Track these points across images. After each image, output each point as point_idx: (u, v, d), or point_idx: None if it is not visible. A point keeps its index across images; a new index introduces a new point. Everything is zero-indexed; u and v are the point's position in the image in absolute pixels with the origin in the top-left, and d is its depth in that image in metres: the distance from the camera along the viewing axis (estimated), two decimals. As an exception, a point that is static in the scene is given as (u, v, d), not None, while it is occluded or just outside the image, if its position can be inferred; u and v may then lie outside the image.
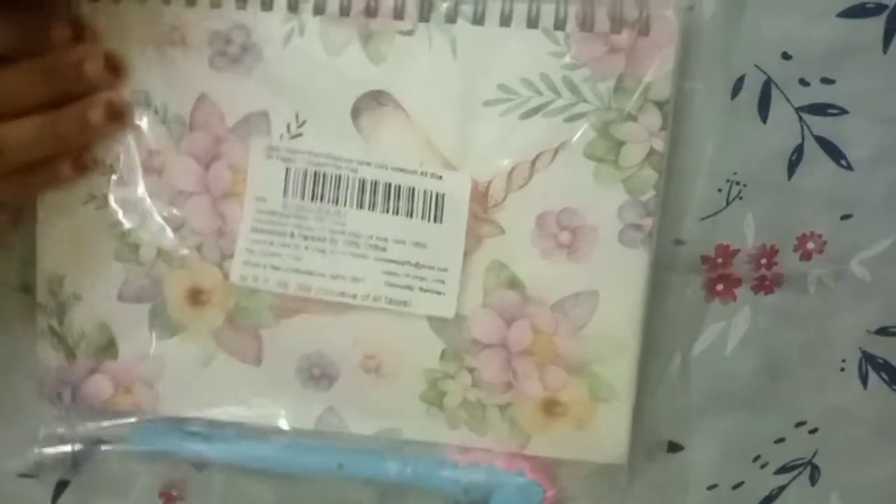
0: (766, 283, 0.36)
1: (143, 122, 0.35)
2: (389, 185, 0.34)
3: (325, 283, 0.35)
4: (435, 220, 0.34)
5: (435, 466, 0.37)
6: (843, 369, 0.37)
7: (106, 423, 0.37)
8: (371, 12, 0.33)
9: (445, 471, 0.37)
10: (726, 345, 0.37)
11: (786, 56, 0.34)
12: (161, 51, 0.34)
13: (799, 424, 0.38)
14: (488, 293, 0.35)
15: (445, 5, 0.33)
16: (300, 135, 0.34)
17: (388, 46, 0.33)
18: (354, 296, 0.35)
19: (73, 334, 0.37)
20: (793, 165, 0.35)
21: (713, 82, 0.34)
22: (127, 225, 0.36)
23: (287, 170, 0.35)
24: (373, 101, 0.34)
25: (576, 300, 0.35)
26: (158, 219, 0.36)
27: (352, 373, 0.36)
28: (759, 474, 0.38)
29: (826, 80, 0.34)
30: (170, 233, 0.36)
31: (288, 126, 0.34)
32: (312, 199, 0.35)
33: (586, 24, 0.32)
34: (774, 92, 0.34)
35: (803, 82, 0.34)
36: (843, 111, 0.34)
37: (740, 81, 0.34)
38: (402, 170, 0.34)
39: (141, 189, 0.36)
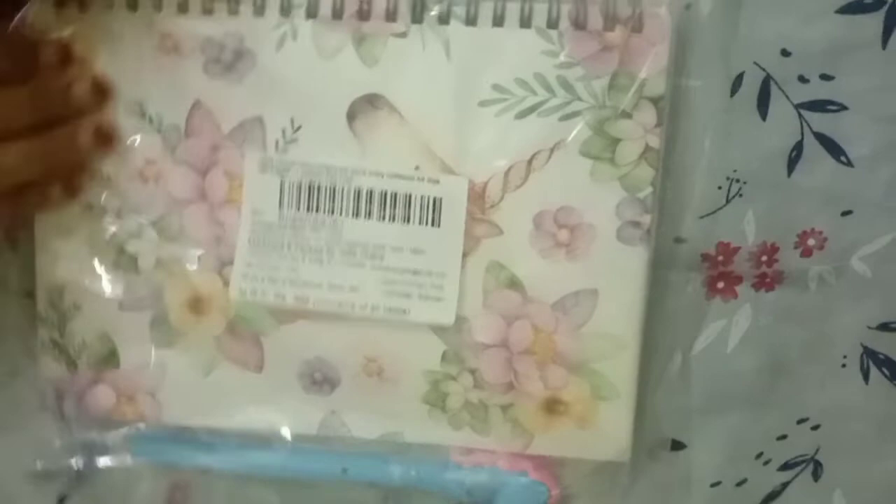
0: (767, 280, 0.36)
1: (138, 131, 0.35)
2: (385, 192, 0.34)
3: (323, 294, 0.35)
4: (432, 225, 0.34)
5: (438, 468, 0.37)
6: (844, 365, 0.37)
7: (109, 433, 0.37)
8: (363, 15, 0.33)
9: (449, 472, 0.37)
10: (728, 342, 0.37)
11: (785, 53, 0.34)
12: (154, 59, 0.34)
13: (801, 421, 0.38)
14: (488, 294, 0.35)
15: (438, 7, 0.33)
16: (296, 140, 0.34)
17: (382, 49, 0.33)
18: (353, 306, 0.35)
19: (74, 345, 0.37)
20: (792, 162, 0.35)
21: (712, 80, 0.34)
22: (125, 235, 0.36)
23: (282, 182, 0.34)
24: (367, 105, 0.34)
25: (576, 299, 0.35)
26: (156, 228, 0.36)
27: (353, 377, 0.36)
28: (762, 471, 0.38)
29: (825, 77, 0.34)
30: (168, 241, 0.36)
31: (283, 131, 0.34)
32: (308, 210, 0.35)
33: (579, 23, 0.32)
34: (774, 89, 0.34)
35: (802, 79, 0.34)
36: (843, 107, 0.34)
37: (739, 79, 0.34)
38: (397, 176, 0.34)
39: (138, 198, 0.36)
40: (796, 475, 0.38)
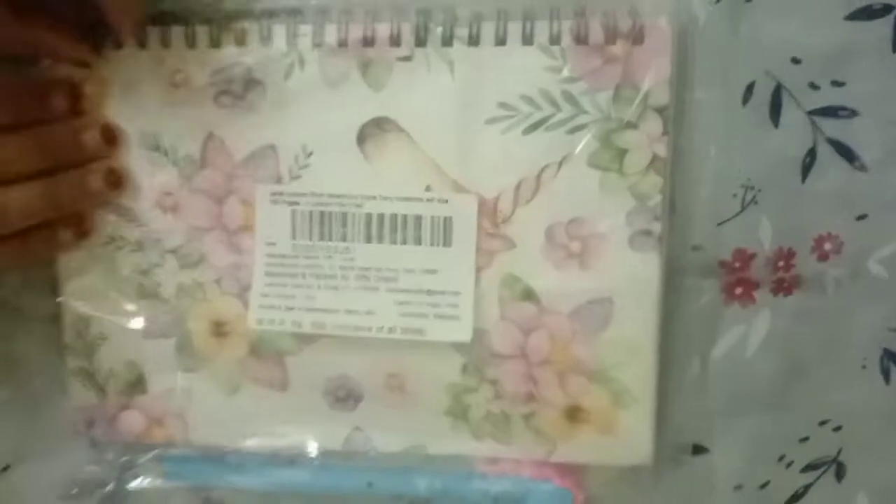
0: (785, 285, 0.36)
1: (155, 163, 0.36)
2: (395, 216, 0.35)
3: (340, 319, 0.35)
4: (444, 245, 0.35)
5: (464, 479, 0.37)
6: (864, 367, 0.37)
7: (139, 456, 0.38)
8: (368, 41, 0.34)
9: (475, 482, 0.37)
10: (747, 347, 0.37)
11: (795, 61, 0.34)
12: (166, 93, 0.35)
13: (822, 423, 0.38)
14: (504, 306, 0.35)
15: (441, 29, 0.33)
16: (308, 165, 0.35)
17: (388, 73, 0.34)
18: (369, 329, 0.35)
19: (102, 373, 0.38)
20: (806, 168, 0.35)
21: (723, 89, 0.34)
22: (147, 264, 0.37)
23: (293, 213, 0.35)
24: (376, 128, 0.34)
25: (591, 308, 0.35)
26: (177, 256, 0.37)
27: (376, 393, 0.37)
28: (784, 473, 0.38)
29: (836, 83, 0.34)
30: (189, 269, 0.37)
31: (296, 158, 0.35)
32: (321, 238, 0.35)
33: (581, 38, 0.33)
34: (785, 96, 0.34)
35: (813, 86, 0.34)
36: (855, 113, 0.34)
37: (750, 87, 0.34)
38: (406, 198, 0.35)
39: (158, 229, 0.36)
40: (819, 476, 0.38)
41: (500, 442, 0.37)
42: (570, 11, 0.33)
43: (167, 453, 0.38)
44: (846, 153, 0.35)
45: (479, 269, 0.35)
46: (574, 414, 0.36)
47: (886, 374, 0.37)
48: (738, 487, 0.38)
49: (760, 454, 0.38)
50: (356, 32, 0.34)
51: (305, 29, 0.34)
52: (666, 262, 0.35)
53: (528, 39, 0.33)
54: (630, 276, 0.34)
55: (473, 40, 0.33)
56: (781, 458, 0.38)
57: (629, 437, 0.36)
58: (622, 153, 0.33)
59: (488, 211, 0.35)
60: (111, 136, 0.35)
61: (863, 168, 0.35)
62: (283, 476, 0.38)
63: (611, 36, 0.33)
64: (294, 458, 0.38)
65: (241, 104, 0.35)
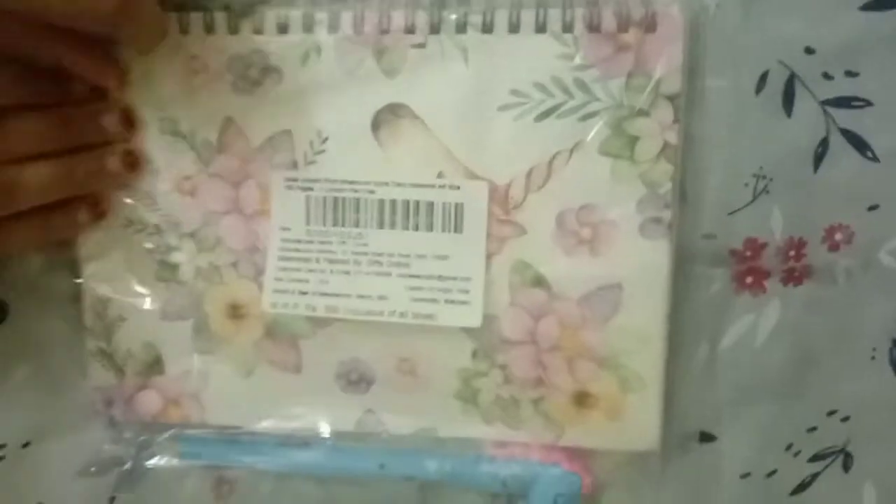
0: (796, 274, 0.36)
1: (174, 148, 0.36)
2: (408, 202, 0.35)
3: (352, 304, 0.36)
4: (455, 231, 0.35)
5: (473, 462, 0.38)
6: (873, 358, 0.37)
7: (156, 436, 0.39)
8: (383, 29, 0.34)
9: (484, 465, 0.37)
10: (757, 336, 0.37)
11: (809, 50, 0.34)
12: (184, 79, 0.36)
13: (831, 413, 0.38)
14: (515, 292, 0.36)
15: (455, 16, 0.34)
16: (323, 150, 0.36)
17: (402, 60, 0.34)
18: (381, 313, 0.36)
19: (120, 354, 0.39)
20: (818, 158, 0.35)
21: (736, 79, 0.34)
22: (165, 247, 0.37)
23: (307, 198, 0.36)
24: (390, 114, 0.35)
25: (601, 294, 0.35)
26: (194, 239, 0.37)
27: (388, 376, 0.37)
28: (792, 462, 0.38)
29: (850, 74, 0.34)
30: (206, 252, 0.37)
31: (311, 143, 0.36)
32: (334, 224, 0.36)
33: (593, 26, 0.33)
34: (798, 86, 0.34)
35: (827, 76, 0.34)
36: (868, 103, 0.34)
37: (764, 77, 0.34)
38: (419, 185, 0.35)
39: (176, 212, 0.37)
40: (826, 466, 0.38)
41: (509, 426, 0.37)
42: (582, 0, 0.33)
43: (183, 433, 0.39)
44: (859, 144, 0.35)
45: (490, 256, 0.35)
46: (583, 399, 0.36)
47: (895, 366, 0.37)
48: (746, 475, 0.38)
49: (768, 443, 0.38)
50: (371, 20, 0.34)
51: (321, 16, 0.34)
52: (677, 250, 0.35)
53: (541, 27, 0.33)
54: (640, 263, 0.35)
55: (487, 28, 0.34)
56: (789, 448, 0.38)
57: (637, 423, 0.36)
58: (633, 140, 0.34)
59: (500, 197, 0.35)
60: (130, 120, 0.36)
61: (875, 159, 0.35)
62: (297, 457, 0.38)
63: (623, 24, 0.33)
64: (307, 440, 0.38)
65: (258, 90, 0.35)
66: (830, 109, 0.35)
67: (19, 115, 0.33)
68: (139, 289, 0.38)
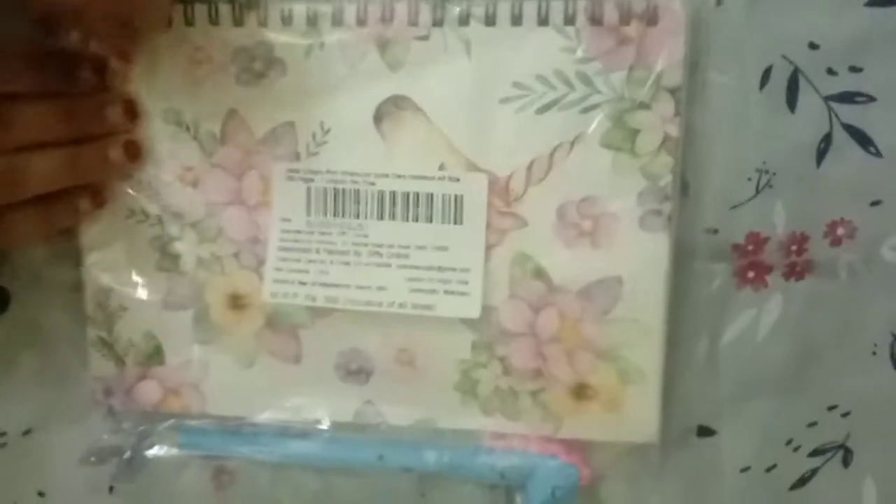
0: (797, 269, 0.36)
1: (176, 138, 0.37)
2: (408, 193, 0.35)
3: (352, 294, 0.36)
4: (455, 223, 0.35)
5: (471, 453, 0.38)
6: (874, 353, 0.37)
7: (156, 426, 0.39)
8: (387, 21, 0.34)
9: (482, 457, 0.38)
10: (758, 331, 0.37)
11: (813, 46, 0.34)
12: (188, 70, 0.36)
13: (831, 408, 0.38)
14: (514, 284, 0.36)
15: (458, 9, 0.34)
16: (326, 142, 0.36)
17: (405, 52, 0.35)
18: (381, 304, 0.36)
19: (121, 343, 0.39)
20: (821, 154, 0.35)
21: (741, 73, 0.34)
22: (167, 237, 0.38)
23: (308, 189, 0.36)
24: (393, 106, 0.35)
25: (600, 286, 0.35)
26: (196, 230, 0.37)
27: (387, 367, 0.37)
28: (792, 457, 0.38)
29: (854, 69, 0.34)
30: (208, 243, 0.37)
31: (314, 135, 0.36)
32: (334, 215, 0.36)
33: (595, 19, 0.33)
34: (802, 81, 0.34)
35: (831, 71, 0.34)
36: (872, 99, 0.34)
37: (768, 72, 0.34)
38: (419, 177, 0.35)
39: (178, 202, 0.37)
40: (826, 461, 0.39)
41: (507, 417, 0.37)
42: (585, -8, 0.33)
43: (183, 423, 0.39)
44: (862, 139, 0.35)
45: (490, 247, 0.36)
46: (581, 391, 0.36)
47: (896, 362, 0.38)
48: (745, 470, 0.38)
49: (768, 438, 0.38)
50: (375, 12, 0.34)
51: (325, 9, 0.35)
52: (679, 244, 0.35)
53: (543, 20, 0.34)
54: (640, 255, 0.35)
55: (490, 20, 0.34)
56: (789, 442, 0.38)
57: (636, 415, 0.36)
58: (634, 133, 0.34)
59: (500, 189, 0.35)
60: (133, 111, 0.36)
61: (878, 154, 0.35)
62: (296, 447, 0.39)
63: (625, 17, 0.33)
64: (306, 431, 0.38)
65: (262, 82, 0.36)
66: (834, 105, 0.35)
67: (28, 104, 0.33)
68: (140, 279, 0.38)
